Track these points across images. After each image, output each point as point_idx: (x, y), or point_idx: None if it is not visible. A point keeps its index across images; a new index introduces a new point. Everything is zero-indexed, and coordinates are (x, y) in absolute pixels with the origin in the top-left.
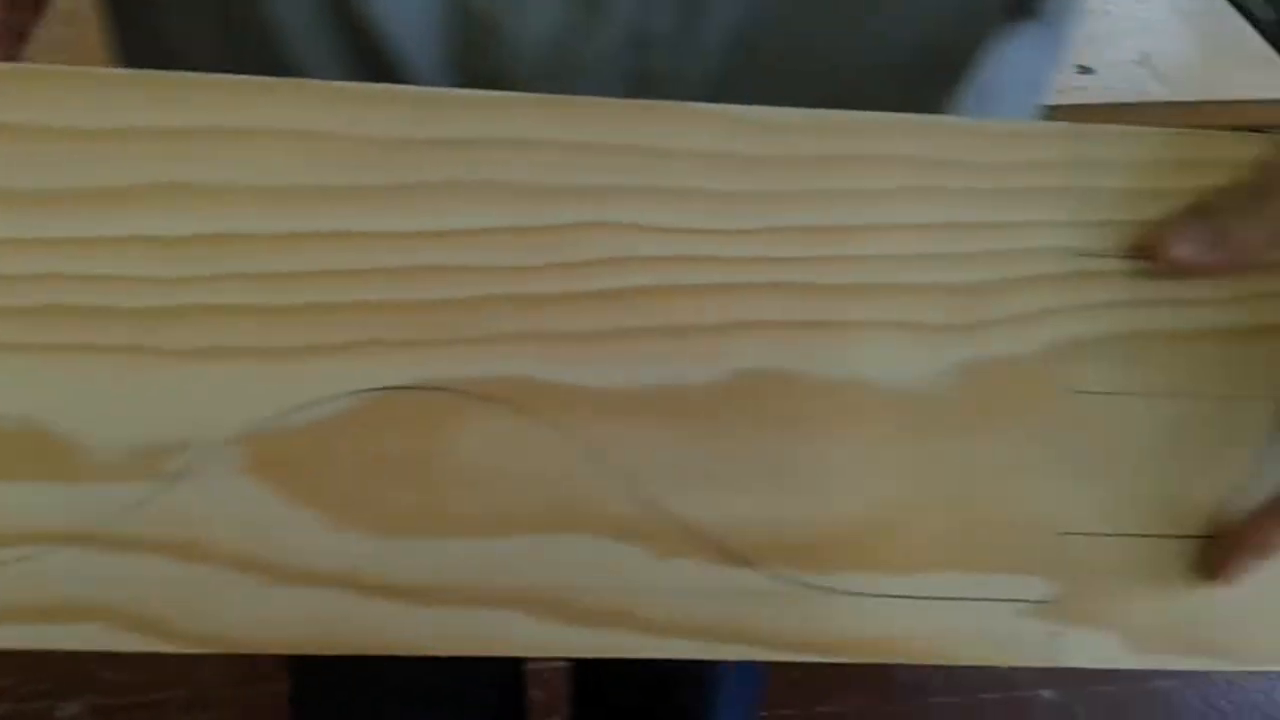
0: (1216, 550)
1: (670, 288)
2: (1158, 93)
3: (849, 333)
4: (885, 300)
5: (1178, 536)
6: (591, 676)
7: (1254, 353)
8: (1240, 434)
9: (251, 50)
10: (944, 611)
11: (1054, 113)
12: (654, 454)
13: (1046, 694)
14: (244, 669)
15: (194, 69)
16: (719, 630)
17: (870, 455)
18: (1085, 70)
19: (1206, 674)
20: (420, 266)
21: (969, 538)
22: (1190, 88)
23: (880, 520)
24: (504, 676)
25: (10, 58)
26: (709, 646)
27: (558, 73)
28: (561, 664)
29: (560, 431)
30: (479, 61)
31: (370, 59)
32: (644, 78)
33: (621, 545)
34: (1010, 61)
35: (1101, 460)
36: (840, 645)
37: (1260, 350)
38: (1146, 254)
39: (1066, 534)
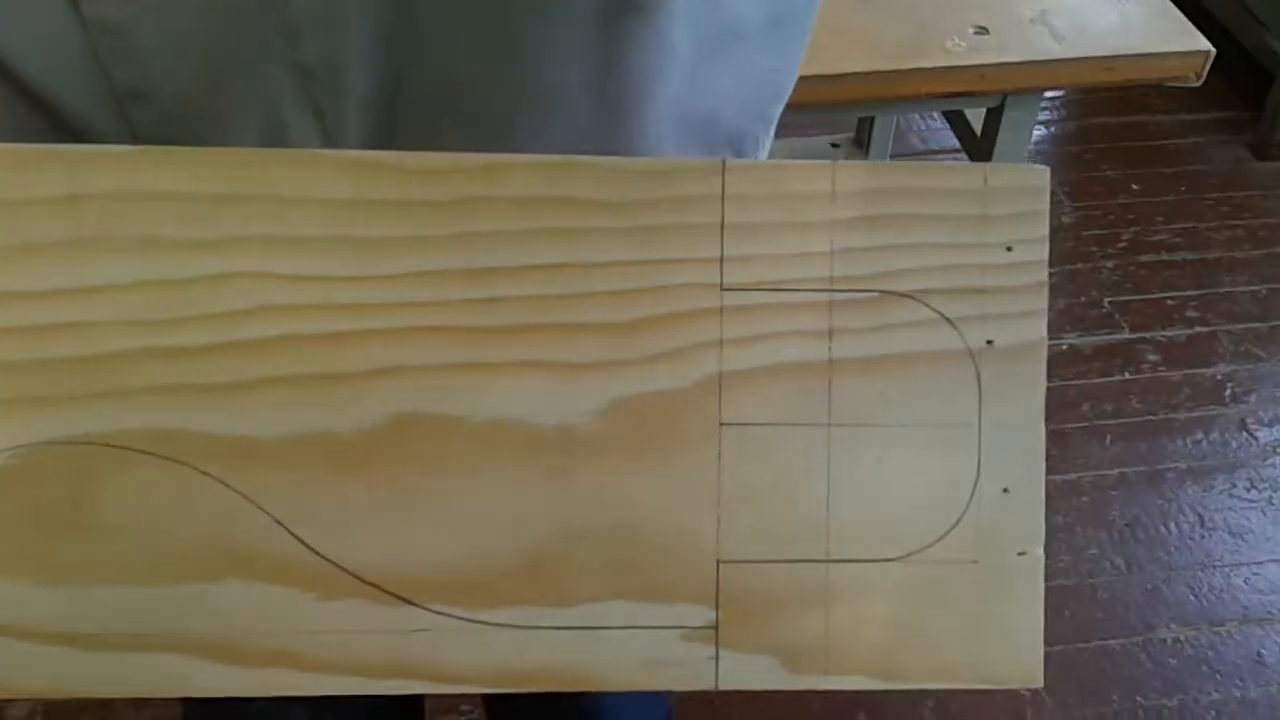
0: None
1: (313, 335)
2: (1055, 51)
3: (499, 374)
4: (533, 341)
5: (827, 561)
6: (499, 702)
7: (895, 381)
8: (886, 458)
9: None
10: (606, 640)
11: (953, 73)
12: (310, 499)
13: None
14: None
15: None
16: (383, 666)
17: (526, 492)
18: (981, 30)
19: (1154, 631)
20: (60, 324)
21: (628, 568)
22: (1087, 45)
23: (539, 554)
24: None
25: None
26: (374, 683)
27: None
28: None
29: (215, 480)
30: (125, 75)
31: (29, 99)
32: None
33: (281, 589)
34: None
35: (754, 489)
36: (503, 677)
37: (902, 378)
38: None
39: (723, 561)
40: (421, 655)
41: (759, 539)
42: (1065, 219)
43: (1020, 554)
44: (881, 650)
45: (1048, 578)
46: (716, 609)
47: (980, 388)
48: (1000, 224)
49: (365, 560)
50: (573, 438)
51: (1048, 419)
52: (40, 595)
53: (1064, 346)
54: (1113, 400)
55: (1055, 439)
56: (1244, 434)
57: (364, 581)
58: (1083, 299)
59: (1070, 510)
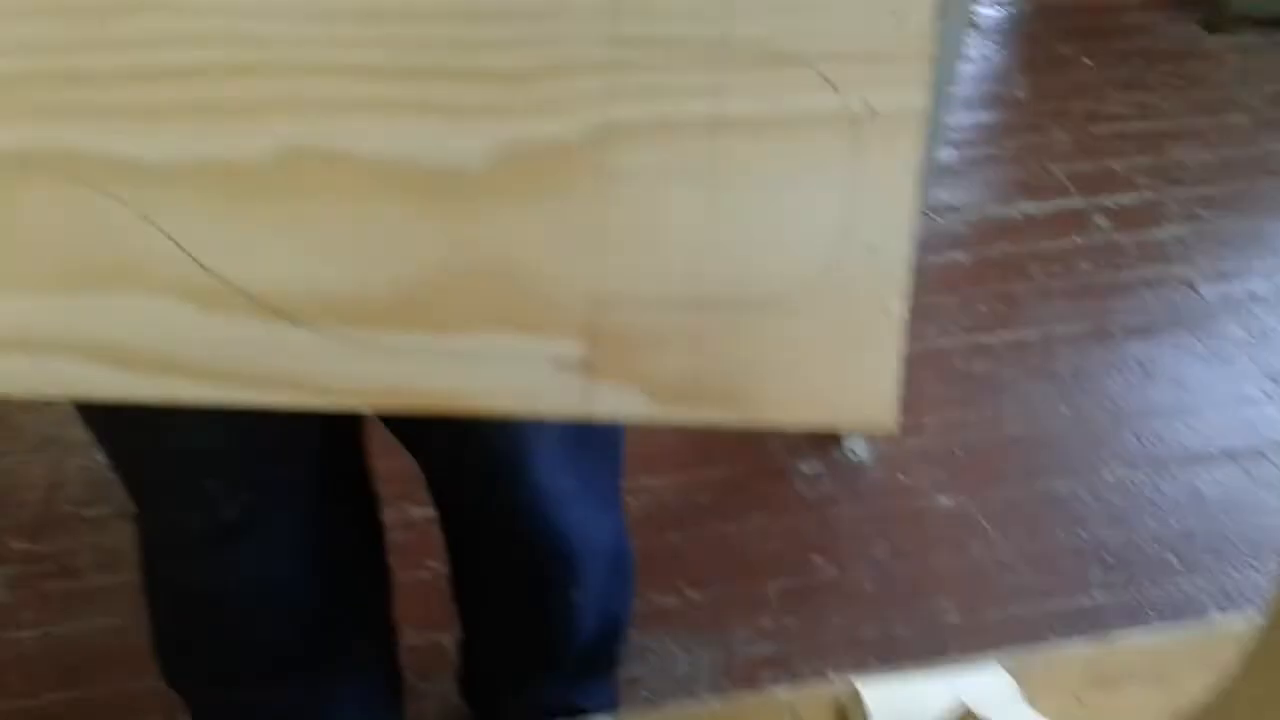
0: None
1: (215, 66)
2: None
3: (391, 113)
4: (426, 83)
5: (698, 304)
6: (466, 553)
7: (777, 140)
8: (761, 210)
9: None
10: (482, 367)
11: None
12: (204, 220)
13: (944, 500)
14: None
15: None
16: (266, 379)
17: (411, 226)
18: None
19: (1098, 473)
20: None
21: (506, 302)
22: None
23: (421, 284)
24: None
25: None
26: (258, 394)
27: None
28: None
29: (113, 199)
30: None
31: None
32: None
33: (173, 302)
34: None
35: (632, 234)
36: (382, 395)
37: (782, 136)
38: None
39: (602, 300)
40: (304, 370)
41: (634, 279)
42: (1020, 94)
43: (882, 309)
44: (744, 388)
45: (997, 426)
46: (589, 343)
47: (859, 150)
48: None
49: (253, 278)
50: (460, 178)
51: (998, 282)
52: None
53: (1016, 214)
54: (1063, 263)
55: (1005, 300)
56: (1189, 291)
57: (251, 298)
58: (1036, 169)
59: (1019, 364)
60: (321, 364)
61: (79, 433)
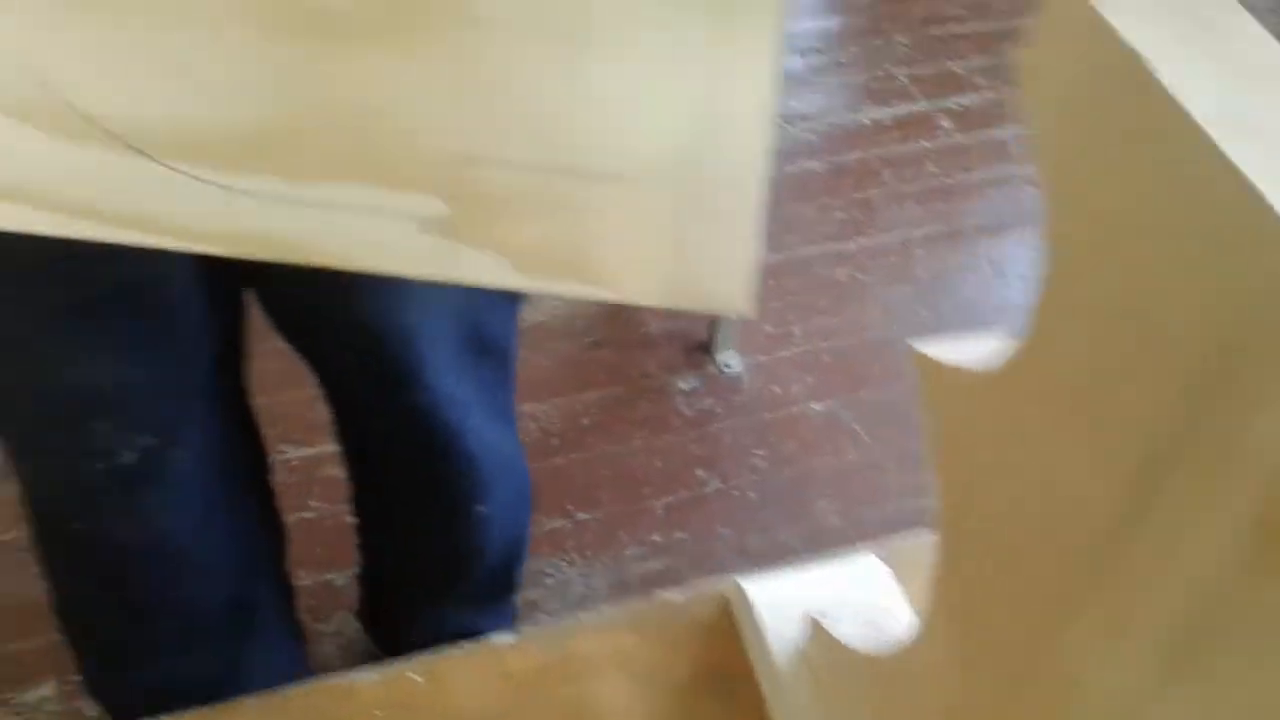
0: None
1: None
2: None
3: None
4: None
5: (559, 170)
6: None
7: (649, 12)
8: (625, 79)
9: None
10: (346, 219)
11: None
12: (59, 46)
13: (817, 407)
14: None
15: None
16: (118, 215)
17: (273, 63)
18: None
19: None
20: None
21: (371, 154)
22: None
23: (281, 126)
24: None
25: None
26: (108, 230)
27: None
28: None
29: None
30: None
31: None
32: None
33: (27, 129)
34: None
35: (496, 89)
36: (239, 240)
37: (654, 7)
38: None
39: (464, 159)
40: (160, 209)
41: (496, 140)
42: None
43: (739, 190)
44: (600, 262)
45: (859, 332)
46: (454, 204)
47: (720, 19)
48: None
49: (106, 111)
50: (324, 16)
51: (854, 190)
52: None
53: (865, 120)
54: (913, 167)
55: (861, 206)
56: (1034, 190)
57: (98, 125)
58: (879, 74)
59: (878, 270)
60: (174, 203)
61: None
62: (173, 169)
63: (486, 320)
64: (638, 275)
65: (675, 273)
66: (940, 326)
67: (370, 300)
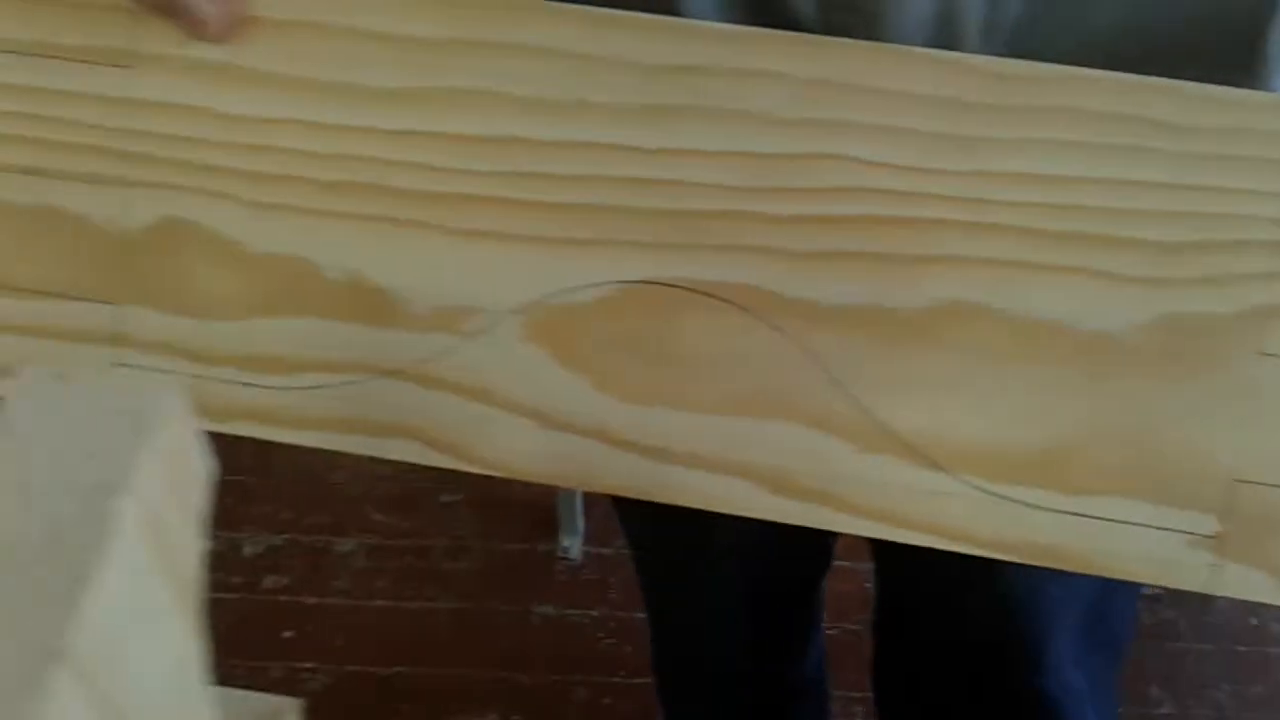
0: None
1: (884, 218)
2: None
3: (1048, 276)
4: (1085, 249)
5: None
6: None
7: None
8: None
9: None
10: (1114, 532)
11: None
12: (861, 363)
13: None
14: (494, 523)
15: None
16: (906, 519)
17: (1057, 387)
18: None
19: None
20: (668, 180)
21: (1145, 471)
22: None
23: (1059, 444)
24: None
25: None
26: (897, 532)
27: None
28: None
29: (779, 333)
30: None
31: None
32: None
33: (829, 438)
34: None
35: (1278, 419)
36: (1014, 547)
37: None
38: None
39: (1238, 480)
40: (942, 515)
41: (1276, 465)
42: None
43: None
44: None
45: None
46: (1224, 522)
47: None
48: None
49: (906, 424)
50: (1108, 345)
51: None
52: (627, 410)
53: None
54: None
55: None
56: None
57: (904, 442)
58: None
59: None
60: (955, 511)
61: None
62: (959, 479)
63: (1110, 609)
64: None
65: None
66: None
67: (1017, 572)
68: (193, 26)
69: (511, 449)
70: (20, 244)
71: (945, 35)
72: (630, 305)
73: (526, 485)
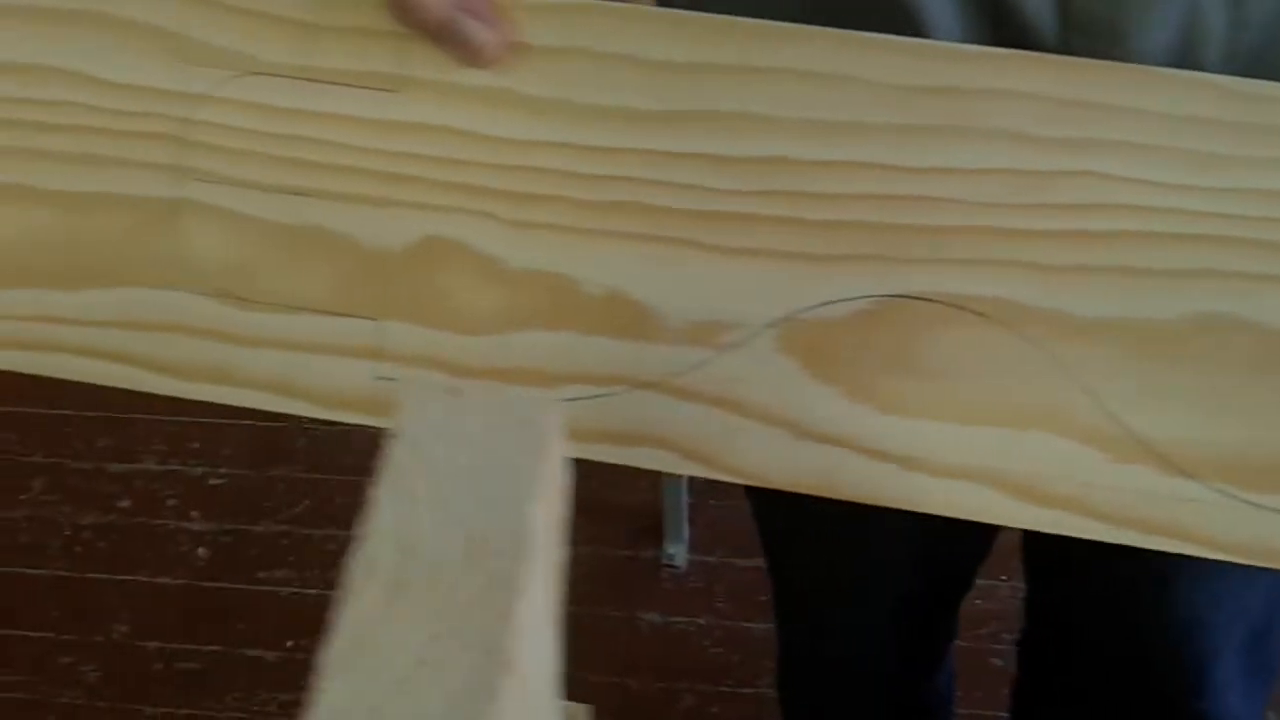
0: None
1: (1138, 233)
2: None
3: None
4: None
5: None
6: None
7: None
8: None
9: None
10: None
11: None
12: (1113, 373)
13: None
14: (600, 529)
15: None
16: (1156, 526)
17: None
18: None
19: None
20: (928, 197)
21: None
22: None
23: None
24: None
25: None
26: (1145, 538)
27: None
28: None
29: (1032, 346)
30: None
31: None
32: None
33: (1082, 447)
34: None
35: None
36: (1264, 553)
37: None
38: None
39: None
40: (1192, 522)
41: None
42: None
43: None
44: None
45: None
46: None
47: None
48: None
49: (1158, 433)
50: None
51: None
52: (877, 419)
53: None
54: None
55: None
56: None
57: (1155, 451)
58: None
59: None
60: (1205, 517)
61: None
62: (1209, 487)
63: (1272, 630)
64: None
65: None
66: None
67: (1190, 591)
68: (467, 54)
69: (763, 458)
70: (288, 262)
71: (1187, 58)
72: (883, 319)
73: (631, 492)
